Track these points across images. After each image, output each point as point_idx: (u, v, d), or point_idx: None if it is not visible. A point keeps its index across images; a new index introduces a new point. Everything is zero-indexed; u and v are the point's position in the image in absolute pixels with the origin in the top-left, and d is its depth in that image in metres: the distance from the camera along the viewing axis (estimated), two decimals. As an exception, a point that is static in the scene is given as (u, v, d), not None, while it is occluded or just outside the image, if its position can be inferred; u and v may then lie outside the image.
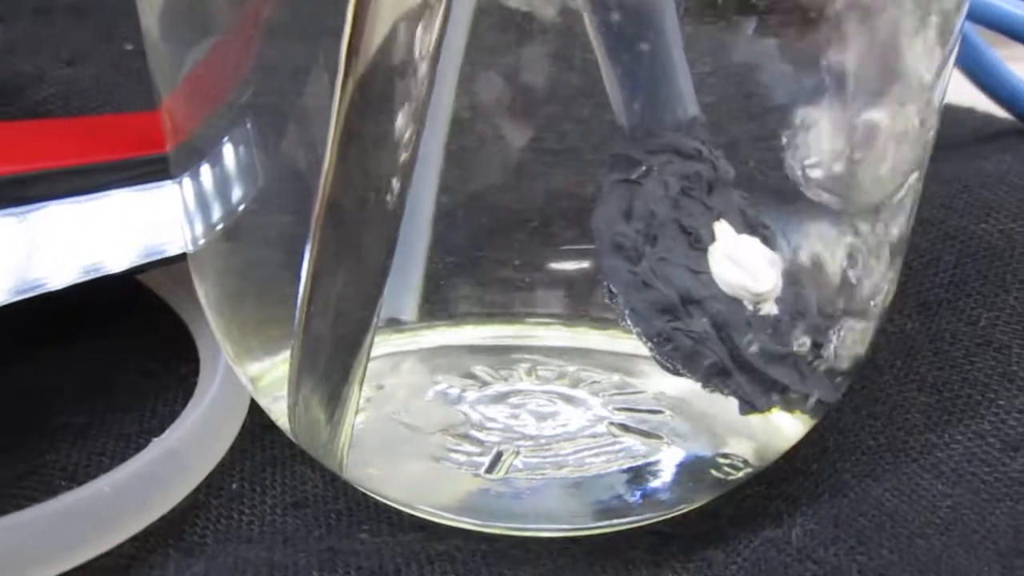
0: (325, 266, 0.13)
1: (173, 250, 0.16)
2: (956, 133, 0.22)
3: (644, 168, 0.12)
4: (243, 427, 0.15)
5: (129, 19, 0.23)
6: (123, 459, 0.14)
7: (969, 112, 0.24)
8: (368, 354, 0.13)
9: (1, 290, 0.13)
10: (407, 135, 0.12)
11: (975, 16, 0.20)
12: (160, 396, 0.16)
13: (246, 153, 0.13)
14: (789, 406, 0.14)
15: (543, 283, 0.14)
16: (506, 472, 0.14)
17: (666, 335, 0.13)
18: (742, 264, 0.13)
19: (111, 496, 0.12)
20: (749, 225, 0.13)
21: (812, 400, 0.14)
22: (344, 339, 0.13)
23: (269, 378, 0.14)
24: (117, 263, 0.15)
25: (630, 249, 0.12)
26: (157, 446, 0.14)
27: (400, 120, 0.12)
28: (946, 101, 0.25)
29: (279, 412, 0.14)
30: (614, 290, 0.13)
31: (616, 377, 0.15)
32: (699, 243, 0.12)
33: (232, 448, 0.15)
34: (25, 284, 0.13)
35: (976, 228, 0.17)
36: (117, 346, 0.17)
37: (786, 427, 0.14)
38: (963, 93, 0.24)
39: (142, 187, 0.15)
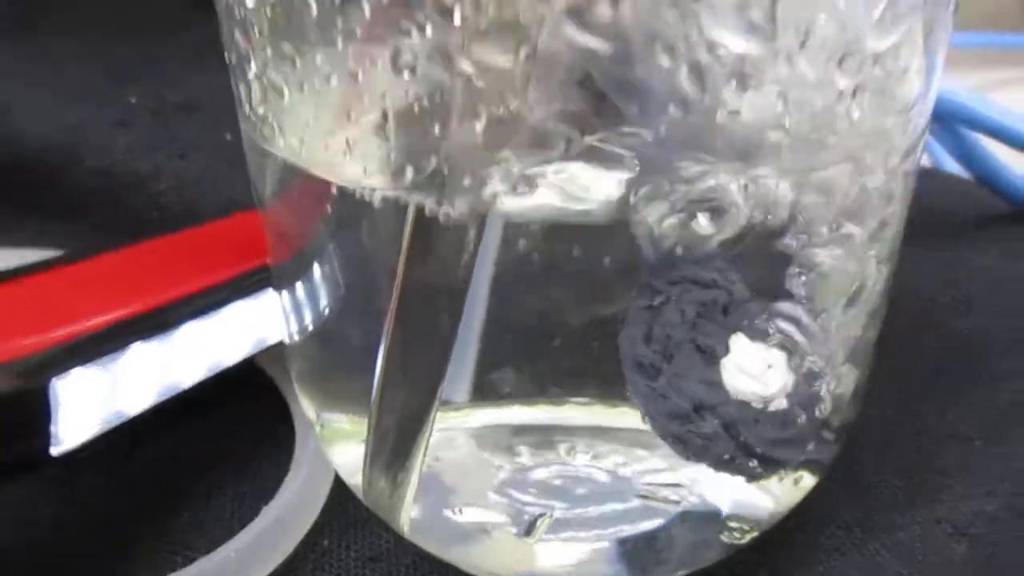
0: (392, 376, 0.16)
1: (274, 339, 0.20)
2: (958, 211, 0.25)
3: (664, 296, 0.14)
4: (330, 491, 0.19)
5: (230, 112, 0.27)
6: (240, 517, 0.18)
7: (975, 185, 0.26)
8: (426, 445, 0.16)
9: (148, 396, 0.17)
10: (464, 262, 0.15)
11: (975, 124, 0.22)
12: (266, 460, 0.20)
13: (331, 273, 0.17)
14: (792, 472, 0.16)
15: (582, 373, 0.16)
16: (541, 536, 0.17)
17: (679, 436, 0.15)
18: (751, 373, 0.15)
19: (235, 560, 0.16)
20: (764, 331, 0.15)
21: (813, 465, 0.16)
22: (405, 434, 0.16)
23: (331, 429, 0.18)
24: (233, 358, 0.19)
25: (649, 367, 0.14)
26: (268, 514, 0.17)
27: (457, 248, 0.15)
28: (954, 173, 0.27)
29: (340, 463, 0.17)
30: (634, 401, 0.15)
31: (645, 453, 0.16)
32: (713, 358, 0.14)
33: (323, 509, 0.19)
34: (165, 389, 0.17)
35: (957, 323, 0.20)
36: (231, 418, 0.21)
37: (787, 493, 0.17)
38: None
39: (252, 296, 0.19)
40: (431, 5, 0.10)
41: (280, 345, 0.19)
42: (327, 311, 0.17)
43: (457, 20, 0.10)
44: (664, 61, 0.10)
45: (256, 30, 0.12)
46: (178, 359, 0.18)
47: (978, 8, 0.45)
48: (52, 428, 0.15)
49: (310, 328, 0.17)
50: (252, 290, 0.19)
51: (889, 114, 0.12)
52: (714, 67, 0.10)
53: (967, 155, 0.23)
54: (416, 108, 0.11)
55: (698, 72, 0.10)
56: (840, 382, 0.16)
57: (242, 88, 0.14)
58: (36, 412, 0.15)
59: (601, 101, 0.10)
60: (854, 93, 0.11)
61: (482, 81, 0.11)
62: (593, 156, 0.12)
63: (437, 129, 0.11)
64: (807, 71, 0.11)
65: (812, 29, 0.10)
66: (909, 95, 0.13)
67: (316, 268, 0.17)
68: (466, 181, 0.11)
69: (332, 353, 0.18)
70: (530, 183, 0.11)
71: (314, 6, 0.11)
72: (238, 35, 0.13)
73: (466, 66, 0.11)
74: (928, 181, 0.22)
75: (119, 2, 0.25)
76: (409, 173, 0.12)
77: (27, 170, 0.23)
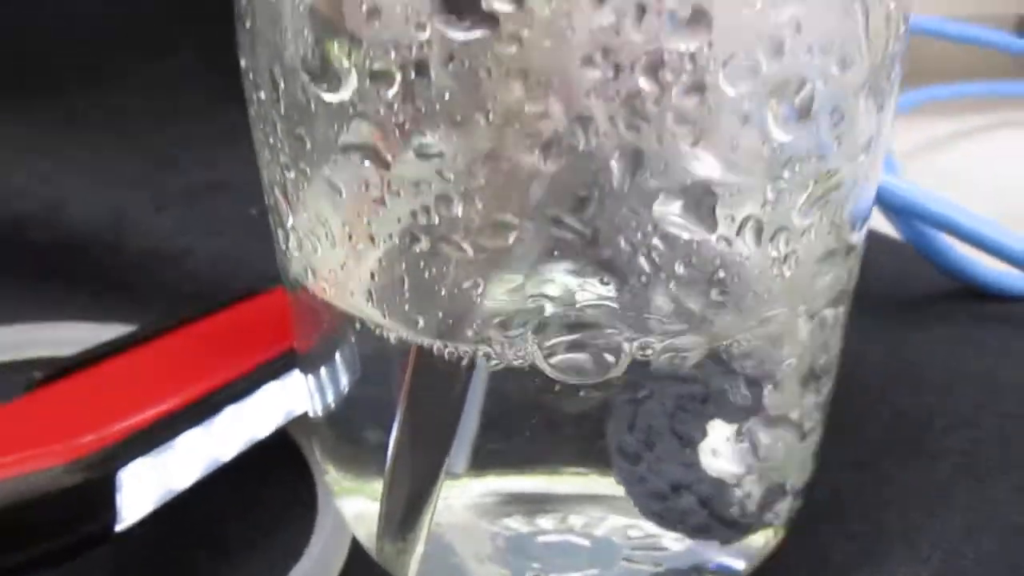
0: (402, 457, 0.18)
1: (300, 410, 0.23)
2: (912, 286, 0.27)
3: (647, 390, 0.15)
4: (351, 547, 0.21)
5: (254, 189, 0.30)
6: (280, 569, 0.21)
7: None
8: (430, 517, 0.19)
9: (194, 473, 0.20)
10: (462, 383, 0.17)
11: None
12: (295, 516, 0.22)
13: (350, 357, 0.19)
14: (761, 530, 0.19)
15: (575, 447, 0.17)
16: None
17: (658, 512, 0.17)
18: (726, 454, 0.16)
19: (271, 617, 0.19)
20: (738, 415, 0.16)
21: (779, 523, 0.18)
22: (413, 505, 0.18)
23: (341, 487, 0.20)
24: (266, 430, 0.22)
25: (632, 454, 0.16)
26: (297, 572, 0.20)
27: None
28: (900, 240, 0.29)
29: (351, 518, 0.20)
30: (618, 481, 0.17)
31: (633, 520, 0.18)
32: (691, 443, 0.16)
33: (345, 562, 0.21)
34: (209, 465, 0.20)
35: (904, 400, 0.22)
36: (260, 482, 0.23)
37: (758, 550, 0.19)
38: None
39: (283, 378, 0.22)
40: (439, 206, 0.13)
41: (304, 415, 0.22)
42: (345, 392, 0.20)
43: (460, 214, 0.13)
44: (626, 247, 0.13)
45: (295, 195, 0.15)
46: (220, 439, 0.20)
47: (969, 56, 0.46)
48: (116, 510, 0.18)
49: (331, 406, 0.20)
50: (284, 370, 0.22)
51: (816, 275, 0.15)
52: (666, 252, 0.13)
53: (926, 246, 0.25)
54: (427, 275, 0.14)
55: (651, 255, 0.13)
56: (801, 452, 0.19)
57: (280, 231, 0.17)
58: (104, 498, 0.17)
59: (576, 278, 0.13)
60: (785, 259, 0.14)
61: (479, 259, 0.13)
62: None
63: (444, 291, 0.14)
64: (742, 248, 0.13)
65: (745, 221, 0.13)
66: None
67: (336, 358, 0.19)
68: (468, 333, 0.14)
69: (349, 426, 0.20)
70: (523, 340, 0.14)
71: (343, 190, 0.14)
72: (278, 192, 0.16)
73: (467, 247, 0.13)
74: (880, 250, 0.24)
75: (152, 93, 0.27)
76: (420, 321, 0.14)
77: (75, 250, 0.26)
